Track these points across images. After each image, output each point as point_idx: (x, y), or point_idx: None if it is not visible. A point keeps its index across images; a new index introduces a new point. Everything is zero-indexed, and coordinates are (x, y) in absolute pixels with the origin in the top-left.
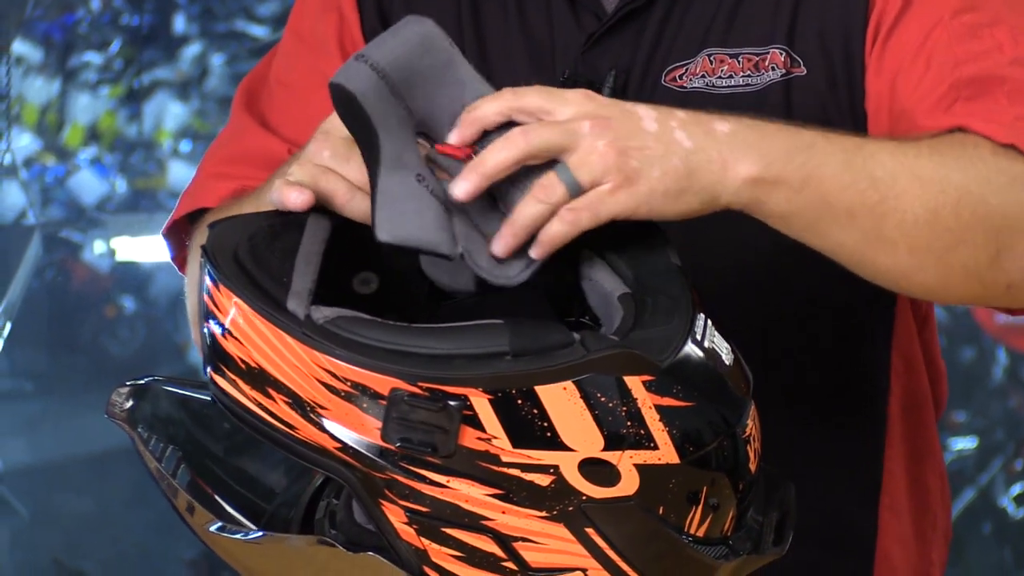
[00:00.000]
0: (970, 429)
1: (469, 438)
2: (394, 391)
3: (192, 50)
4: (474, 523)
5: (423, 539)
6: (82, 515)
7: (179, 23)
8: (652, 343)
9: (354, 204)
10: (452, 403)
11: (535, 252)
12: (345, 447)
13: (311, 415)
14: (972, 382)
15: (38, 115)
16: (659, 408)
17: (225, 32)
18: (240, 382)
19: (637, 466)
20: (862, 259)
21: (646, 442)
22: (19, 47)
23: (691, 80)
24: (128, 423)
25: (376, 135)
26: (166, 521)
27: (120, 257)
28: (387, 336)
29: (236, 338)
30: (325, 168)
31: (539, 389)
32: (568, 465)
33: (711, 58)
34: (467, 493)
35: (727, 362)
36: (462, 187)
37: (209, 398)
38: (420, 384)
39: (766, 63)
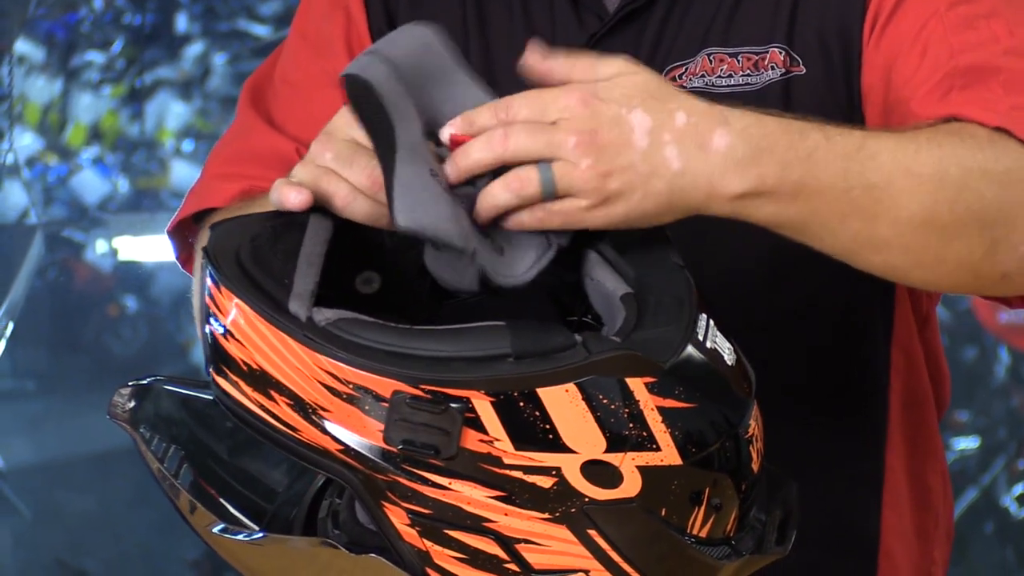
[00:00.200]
0: (972, 429)
1: (471, 440)
2: (396, 393)
3: (194, 49)
4: (476, 525)
5: (425, 541)
6: (84, 515)
7: (181, 22)
8: (654, 344)
9: (355, 206)
10: (454, 405)
11: (480, 218)
12: (347, 449)
13: (313, 417)
14: (974, 381)
15: (40, 114)
16: (661, 410)
17: (227, 31)
18: (242, 384)
19: (639, 468)
20: (853, 258)
21: (648, 444)
22: (21, 46)
23: (691, 80)
24: (130, 423)
25: (392, 125)
26: (168, 521)
27: (122, 257)
28: (389, 338)
29: (238, 340)
30: (327, 170)
31: (541, 391)
32: (570, 467)
33: (711, 57)
34: (469, 495)
35: (729, 362)
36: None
37: (211, 398)
38: (422, 386)
39: (765, 62)
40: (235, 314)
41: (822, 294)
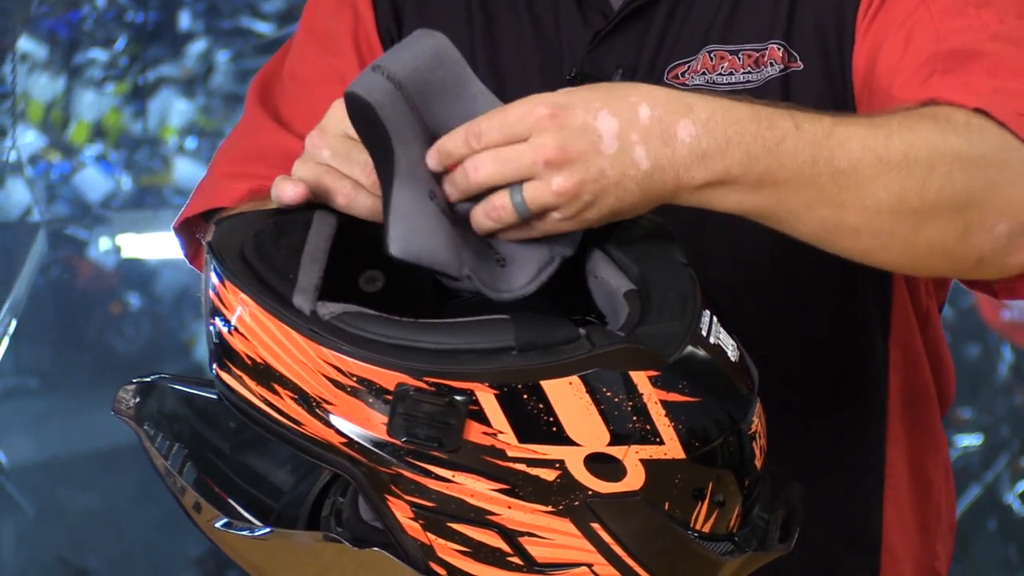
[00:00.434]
0: (975, 426)
1: (475, 433)
2: (400, 386)
3: (197, 47)
4: (480, 518)
5: (429, 534)
6: (87, 512)
7: (184, 20)
8: (658, 339)
9: (357, 202)
10: (458, 398)
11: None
12: (351, 442)
13: (317, 411)
14: (977, 379)
15: (43, 112)
16: (665, 403)
17: (230, 29)
18: (246, 378)
19: (643, 461)
20: (824, 244)
21: (652, 437)
22: (24, 44)
23: (693, 77)
24: (135, 420)
25: (391, 147)
26: (172, 518)
27: (125, 254)
28: (393, 331)
29: (242, 334)
30: (328, 167)
31: (545, 384)
32: (574, 460)
33: (712, 55)
34: (473, 488)
35: (732, 359)
36: None
37: (215, 396)
38: (426, 379)
39: (765, 59)
40: (240, 309)
41: (817, 289)
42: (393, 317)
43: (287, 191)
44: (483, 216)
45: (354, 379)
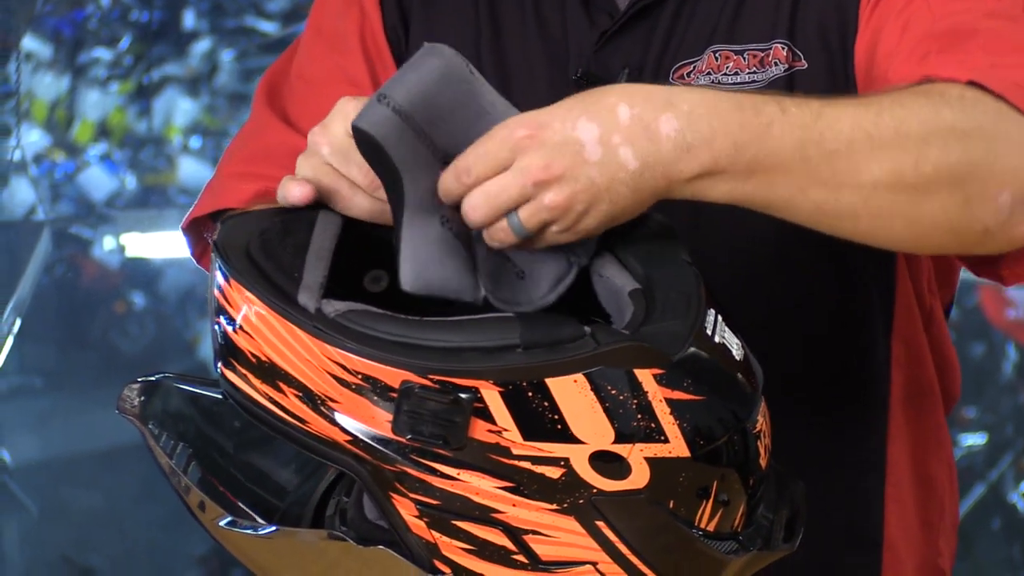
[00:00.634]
0: (980, 425)
1: (480, 431)
2: (405, 384)
3: (202, 46)
4: (484, 516)
5: (433, 532)
6: (91, 511)
7: (188, 19)
8: (662, 337)
9: (355, 203)
10: (463, 395)
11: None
12: (356, 440)
13: (322, 408)
14: (982, 378)
15: (48, 111)
16: (670, 401)
17: (235, 28)
18: (251, 376)
19: (648, 459)
20: (822, 227)
21: (657, 435)
22: (29, 43)
23: (698, 77)
24: (139, 419)
25: (400, 179)
26: (176, 517)
27: (130, 253)
28: (398, 329)
29: (247, 332)
30: (329, 168)
31: (550, 382)
32: (579, 458)
33: (717, 55)
34: (477, 486)
35: (737, 357)
36: None
37: (220, 396)
38: (431, 376)
39: (770, 59)
40: (245, 307)
41: (819, 284)
42: (398, 315)
43: (294, 192)
44: (488, 239)
45: (359, 377)
